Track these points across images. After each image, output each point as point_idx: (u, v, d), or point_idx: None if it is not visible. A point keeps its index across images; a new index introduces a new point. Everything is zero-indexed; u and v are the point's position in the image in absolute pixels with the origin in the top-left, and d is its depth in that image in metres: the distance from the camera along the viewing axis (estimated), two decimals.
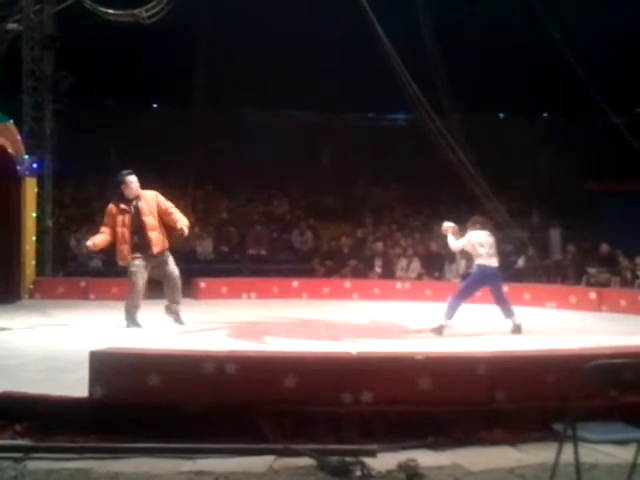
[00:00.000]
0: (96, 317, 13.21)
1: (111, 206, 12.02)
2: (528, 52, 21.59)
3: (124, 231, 11.88)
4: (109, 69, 21.96)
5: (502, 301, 12.10)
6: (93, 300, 16.35)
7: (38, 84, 18.19)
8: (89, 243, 12.21)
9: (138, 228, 11.86)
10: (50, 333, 11.23)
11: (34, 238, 17.21)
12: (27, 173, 16.70)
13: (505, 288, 15.48)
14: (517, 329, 11.77)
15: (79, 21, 17.53)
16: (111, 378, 6.33)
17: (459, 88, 19.00)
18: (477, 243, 11.91)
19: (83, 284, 16.95)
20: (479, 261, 11.94)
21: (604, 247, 17.68)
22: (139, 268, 11.79)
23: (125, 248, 11.88)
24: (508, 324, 11.88)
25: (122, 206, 11.93)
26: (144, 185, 12.17)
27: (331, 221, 22.62)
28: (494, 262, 11.99)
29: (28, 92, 18.16)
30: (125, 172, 12.15)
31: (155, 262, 11.91)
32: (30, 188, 16.92)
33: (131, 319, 11.78)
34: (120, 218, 11.89)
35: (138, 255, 11.82)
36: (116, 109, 25.26)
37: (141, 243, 11.88)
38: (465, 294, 12.17)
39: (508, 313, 11.96)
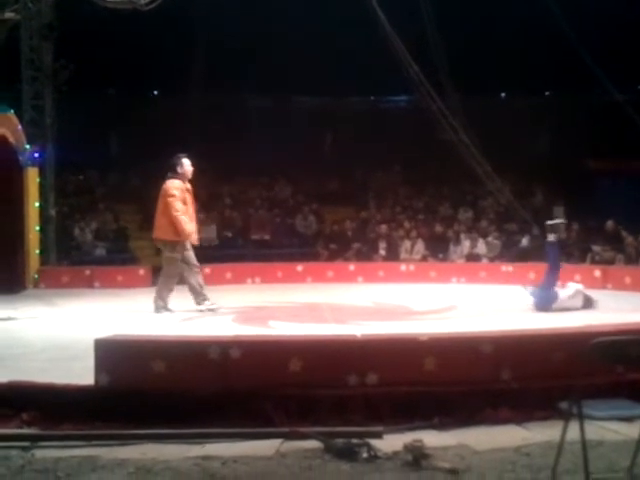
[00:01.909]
0: (101, 305, 13.25)
1: (178, 181, 11.98)
2: (529, 31, 21.47)
3: (189, 209, 11.92)
4: (109, 57, 21.88)
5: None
6: (98, 288, 16.36)
7: (38, 73, 18.15)
8: (194, 237, 12.06)
9: (191, 213, 12.00)
10: (55, 322, 11.27)
11: (38, 228, 17.21)
12: (29, 163, 16.69)
13: (510, 268, 15.54)
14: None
15: (77, 9, 17.46)
16: (117, 365, 6.36)
17: (460, 68, 18.91)
18: None
19: (88, 273, 16.95)
20: None
21: (609, 224, 17.66)
22: (183, 254, 11.86)
23: (192, 227, 11.92)
24: None
25: (186, 185, 11.97)
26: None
27: (334, 205, 22.60)
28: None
29: (28, 82, 18.13)
30: (182, 154, 12.21)
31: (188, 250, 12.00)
32: (32, 178, 16.91)
33: (164, 304, 11.82)
34: (186, 195, 11.93)
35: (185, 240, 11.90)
36: (116, 97, 25.22)
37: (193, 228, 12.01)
38: None
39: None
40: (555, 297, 12.02)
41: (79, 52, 18.82)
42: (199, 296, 12.03)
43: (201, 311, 11.93)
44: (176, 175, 12.00)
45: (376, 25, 16.77)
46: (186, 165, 12.10)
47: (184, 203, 11.89)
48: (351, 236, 20.25)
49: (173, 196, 11.79)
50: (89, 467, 5.27)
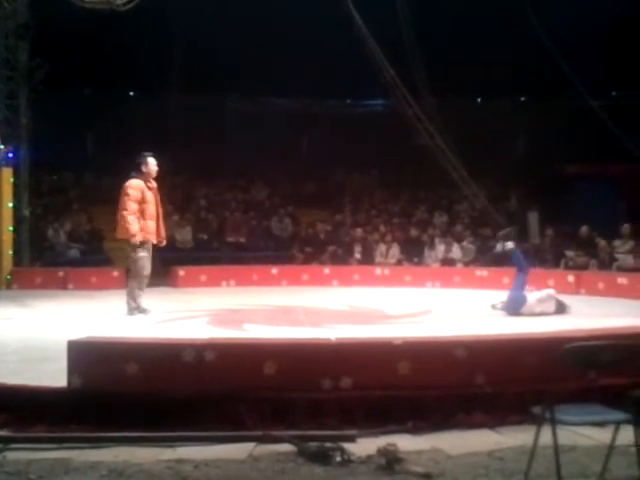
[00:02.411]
0: (75, 306, 13.17)
1: (138, 181, 11.91)
2: (505, 36, 21.58)
3: (150, 207, 11.87)
4: (85, 57, 21.78)
5: None
6: (72, 290, 16.26)
7: (13, 73, 18.01)
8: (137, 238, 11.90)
9: (152, 213, 11.93)
10: (28, 323, 11.17)
11: (11, 228, 17.10)
12: (3, 163, 16.61)
13: (484, 272, 15.62)
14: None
15: (54, 9, 17.35)
16: (90, 367, 6.32)
17: (436, 72, 18.97)
18: None
19: (61, 274, 16.84)
20: None
21: (584, 229, 17.75)
22: (146, 254, 11.82)
23: (151, 225, 11.87)
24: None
25: (149, 183, 11.93)
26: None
27: (310, 208, 22.59)
28: None
29: (3, 81, 17.95)
30: (147, 153, 12.14)
31: (147, 250, 11.96)
32: (6, 178, 16.81)
33: (137, 305, 11.77)
34: (147, 194, 11.88)
35: (147, 239, 11.84)
36: (93, 97, 25.09)
37: (152, 228, 11.94)
38: None
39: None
40: (523, 301, 12.08)
41: (55, 52, 18.69)
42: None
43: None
44: (138, 174, 11.96)
45: (353, 28, 16.80)
46: (151, 164, 12.06)
47: (143, 202, 11.84)
48: (325, 239, 20.22)
49: (128, 195, 11.77)
50: (61, 470, 5.25)
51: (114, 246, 17.52)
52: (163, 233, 12.32)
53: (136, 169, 12.02)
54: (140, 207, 11.85)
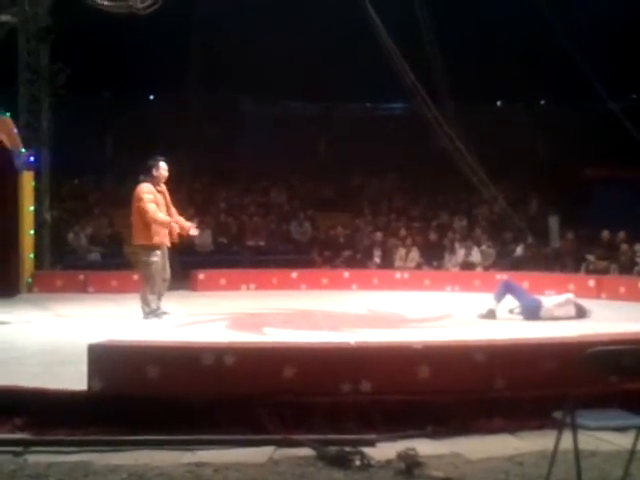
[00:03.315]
0: (95, 310, 13.19)
1: (148, 185, 11.92)
2: (525, 39, 21.55)
3: (161, 210, 11.92)
4: (105, 61, 21.89)
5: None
6: (92, 293, 16.33)
7: (34, 77, 18.09)
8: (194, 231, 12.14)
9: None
10: (49, 327, 11.23)
11: (32, 232, 17.16)
12: (24, 167, 16.65)
13: (504, 276, 15.58)
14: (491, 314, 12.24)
15: (74, 13, 17.45)
16: (110, 371, 6.33)
17: (456, 76, 18.96)
18: None
19: (82, 277, 16.91)
20: None
21: (605, 233, 17.67)
22: (159, 257, 11.84)
23: (163, 230, 11.89)
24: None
25: (158, 187, 11.98)
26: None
27: (329, 211, 22.59)
28: None
29: (24, 85, 18.08)
30: (159, 157, 12.20)
31: (163, 253, 11.97)
32: (27, 182, 16.86)
33: (150, 310, 11.78)
34: (158, 197, 11.93)
35: (162, 242, 11.88)
36: (113, 101, 25.22)
37: (165, 231, 11.97)
38: None
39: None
40: (539, 305, 12.04)
41: (76, 55, 18.81)
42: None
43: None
44: (149, 178, 11.97)
45: (374, 31, 16.80)
46: (162, 168, 12.07)
47: (157, 205, 11.88)
48: (344, 243, 20.22)
49: (142, 200, 11.78)
50: (81, 473, 5.25)
51: (130, 251, 17.62)
52: (184, 224, 12.28)
53: (146, 172, 12.04)
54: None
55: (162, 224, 11.79)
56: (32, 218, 17.21)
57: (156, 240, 11.77)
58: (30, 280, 16.71)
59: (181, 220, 12.30)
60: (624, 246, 17.11)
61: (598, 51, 19.87)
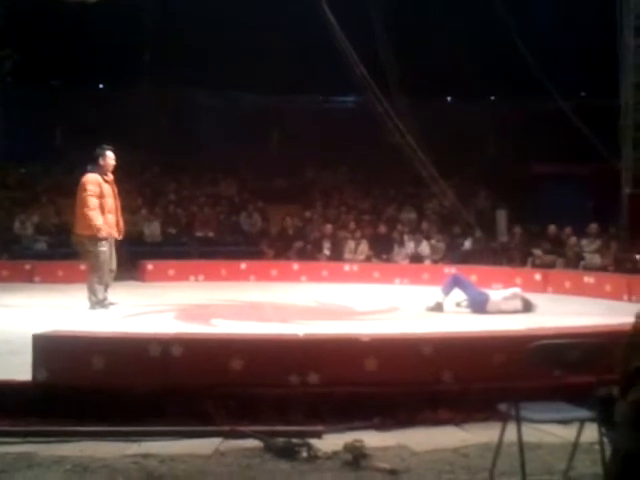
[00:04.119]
0: (41, 300, 13.06)
1: (94, 175, 11.81)
2: (476, 36, 21.67)
3: (108, 201, 11.77)
4: (54, 49, 21.61)
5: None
6: (38, 283, 16.15)
7: None
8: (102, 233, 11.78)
9: (110, 206, 11.84)
10: None
11: None
12: None
13: (453, 270, 15.68)
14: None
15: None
16: (55, 361, 6.28)
17: (407, 71, 19.01)
18: None
19: (28, 267, 16.73)
20: None
21: (552, 228, 17.86)
22: (107, 247, 11.71)
23: (111, 218, 11.79)
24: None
25: (105, 177, 11.84)
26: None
27: (280, 203, 22.54)
28: None
29: None
30: (106, 146, 12.06)
31: (109, 244, 11.86)
32: None
33: (97, 299, 11.66)
34: (105, 188, 11.79)
35: (109, 233, 11.75)
36: (61, 89, 24.90)
37: (112, 222, 11.84)
38: None
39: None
40: (485, 299, 12.16)
41: (24, 43, 18.54)
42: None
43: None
44: (96, 168, 11.89)
45: (325, 24, 16.80)
46: (109, 158, 11.99)
47: (101, 197, 11.77)
48: (293, 235, 20.20)
49: (86, 191, 11.70)
50: (25, 464, 5.20)
51: (76, 240, 17.45)
52: (122, 226, 12.25)
53: (93, 162, 11.95)
54: (99, 202, 11.78)
55: (91, 221, 11.62)
56: None
57: (93, 231, 11.66)
58: None
59: (120, 221, 12.17)
60: (570, 241, 17.31)
61: (548, 48, 20.08)
